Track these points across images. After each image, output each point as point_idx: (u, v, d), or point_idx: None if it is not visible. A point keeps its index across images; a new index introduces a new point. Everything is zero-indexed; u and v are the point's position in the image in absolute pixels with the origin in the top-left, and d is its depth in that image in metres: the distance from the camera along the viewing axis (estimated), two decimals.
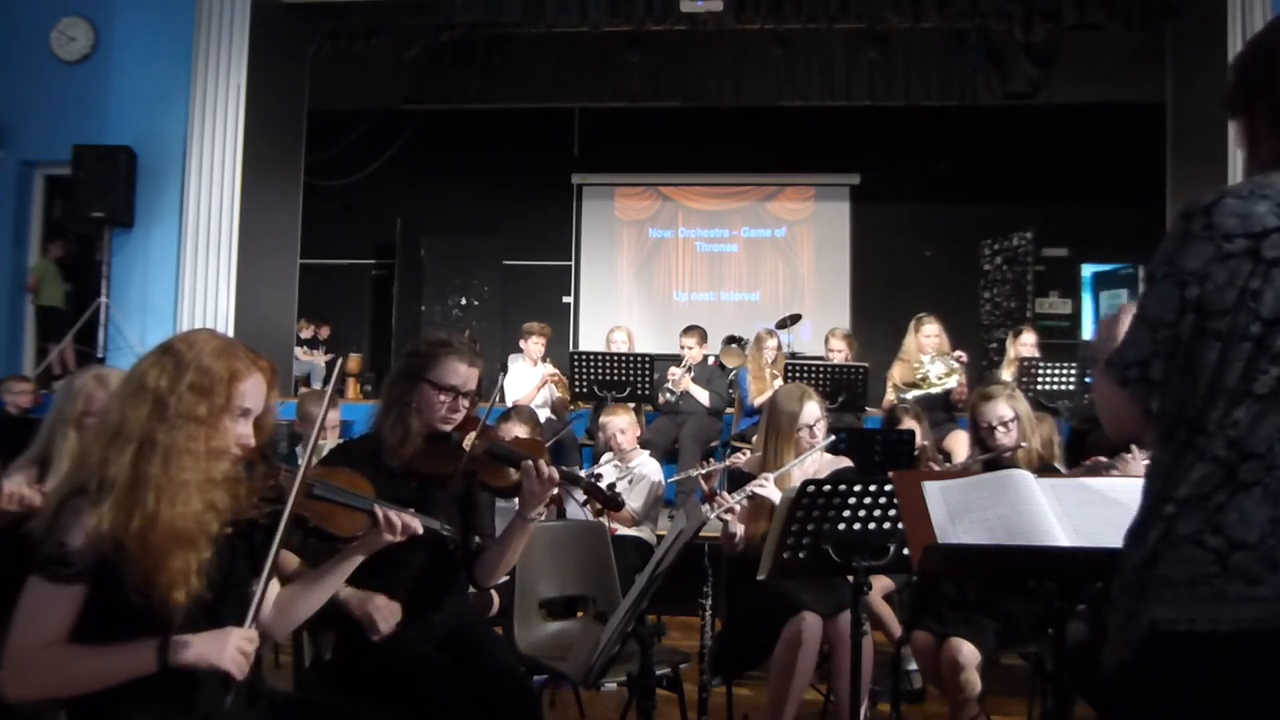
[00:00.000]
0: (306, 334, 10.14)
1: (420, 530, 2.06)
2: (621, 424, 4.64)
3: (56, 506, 1.72)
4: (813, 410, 3.38)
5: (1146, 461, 1.60)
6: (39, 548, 1.68)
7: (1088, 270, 10.19)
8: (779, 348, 6.54)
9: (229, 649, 1.70)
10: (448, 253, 10.72)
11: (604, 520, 3.86)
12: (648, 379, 6.15)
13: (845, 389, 5.83)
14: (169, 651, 1.68)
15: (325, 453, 2.80)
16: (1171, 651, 1.27)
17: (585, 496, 3.21)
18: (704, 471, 3.98)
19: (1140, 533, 1.33)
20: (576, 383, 6.24)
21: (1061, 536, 2.01)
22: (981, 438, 3.42)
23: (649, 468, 4.62)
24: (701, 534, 2.25)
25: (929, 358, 5.93)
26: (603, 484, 2.75)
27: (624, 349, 6.68)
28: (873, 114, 10.07)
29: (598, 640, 2.16)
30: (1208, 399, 1.28)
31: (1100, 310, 10.02)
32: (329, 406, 2.22)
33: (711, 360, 7.15)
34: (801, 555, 2.69)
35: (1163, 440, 1.34)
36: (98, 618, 1.68)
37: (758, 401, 6.03)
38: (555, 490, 2.62)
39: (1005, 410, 3.35)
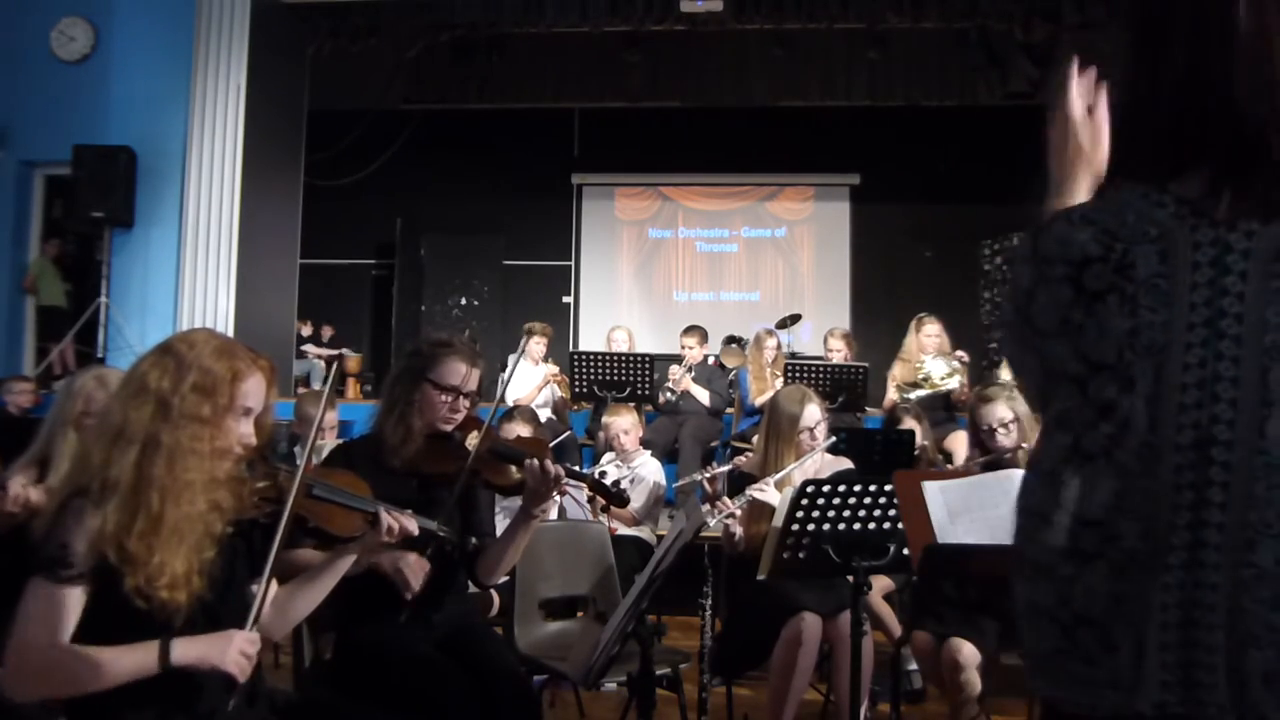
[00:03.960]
0: (307, 332, 10.13)
1: (416, 531, 2.08)
2: (625, 425, 4.64)
3: (58, 507, 1.72)
4: (813, 413, 3.37)
5: None
6: (41, 548, 1.68)
7: None
8: (779, 347, 6.54)
9: (232, 652, 1.71)
10: (448, 253, 10.73)
11: (604, 520, 3.86)
12: (648, 379, 6.15)
13: (845, 389, 5.83)
14: (171, 652, 1.68)
15: (325, 453, 2.81)
16: None
17: (590, 492, 3.21)
18: (708, 475, 3.98)
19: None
20: (577, 383, 6.25)
21: None
22: (981, 440, 3.40)
23: (650, 468, 4.62)
24: (702, 534, 2.25)
25: (930, 357, 5.93)
26: (606, 481, 2.75)
27: (624, 349, 6.68)
28: (873, 114, 10.07)
29: (598, 640, 2.16)
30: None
31: None
32: (326, 407, 2.22)
33: (712, 360, 7.14)
34: (801, 555, 2.69)
35: None
36: (99, 618, 1.68)
37: (759, 401, 6.03)
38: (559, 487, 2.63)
39: (1005, 412, 3.34)
